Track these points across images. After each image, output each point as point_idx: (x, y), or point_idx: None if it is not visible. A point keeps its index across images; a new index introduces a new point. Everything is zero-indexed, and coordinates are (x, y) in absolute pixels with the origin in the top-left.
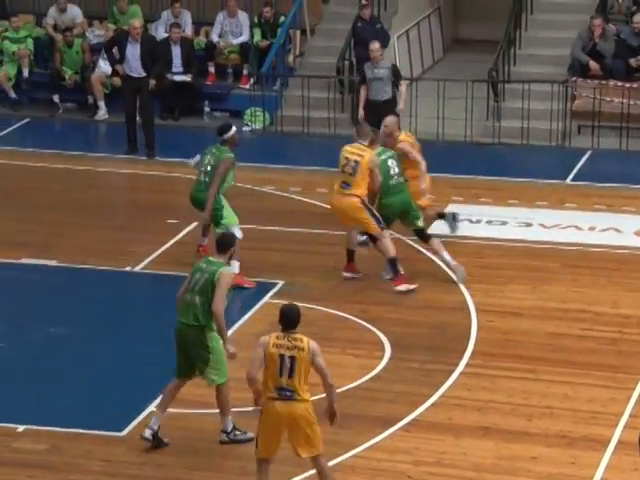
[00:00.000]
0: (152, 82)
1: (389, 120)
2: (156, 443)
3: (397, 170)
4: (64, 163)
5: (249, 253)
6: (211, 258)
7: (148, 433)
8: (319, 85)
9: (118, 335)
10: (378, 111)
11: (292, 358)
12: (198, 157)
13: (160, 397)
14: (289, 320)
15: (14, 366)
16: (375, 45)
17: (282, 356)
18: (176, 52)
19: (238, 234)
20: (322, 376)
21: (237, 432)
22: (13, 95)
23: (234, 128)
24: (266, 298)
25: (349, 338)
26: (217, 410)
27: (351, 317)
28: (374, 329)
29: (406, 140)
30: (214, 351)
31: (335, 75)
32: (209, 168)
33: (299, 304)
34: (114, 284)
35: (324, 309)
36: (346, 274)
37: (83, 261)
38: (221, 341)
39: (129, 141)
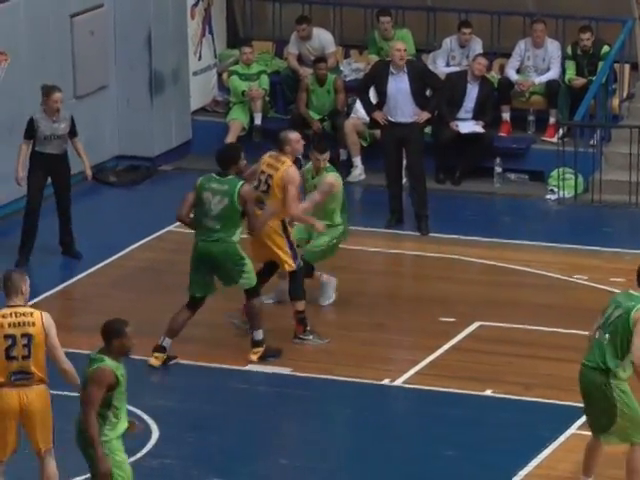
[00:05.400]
0: (424, 115)
1: None
2: None
3: None
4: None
5: (547, 364)
6: (632, 291)
7: None
8: None
9: (375, 468)
10: None
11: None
12: None
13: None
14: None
15: None
16: None
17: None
18: (472, 93)
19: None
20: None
21: None
22: None
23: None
24: (571, 428)
25: None
26: None
27: None
28: None
29: None
30: (624, 405)
31: None
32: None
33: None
34: (368, 401)
35: None
36: None
37: (327, 370)
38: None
39: (392, 210)
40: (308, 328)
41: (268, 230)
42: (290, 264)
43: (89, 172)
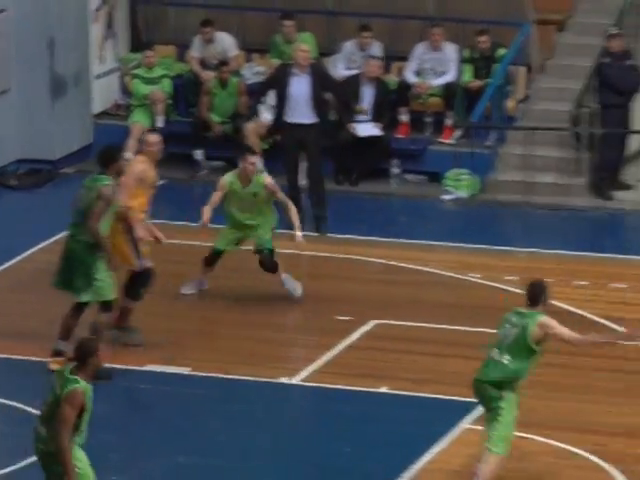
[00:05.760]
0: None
1: None
2: None
3: None
4: (207, 239)
5: (441, 361)
6: (521, 309)
7: None
8: (548, 140)
9: (272, 466)
10: None
11: None
12: None
13: None
14: None
15: None
16: None
17: None
18: (368, 94)
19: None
20: None
21: None
22: (130, 155)
23: None
24: (464, 423)
25: None
26: None
27: (581, 452)
28: (614, 471)
29: None
30: (507, 414)
31: (570, 127)
32: None
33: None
34: (265, 399)
35: (543, 439)
36: None
37: (225, 369)
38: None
39: None
40: (128, 325)
41: (116, 229)
42: (133, 264)
43: None
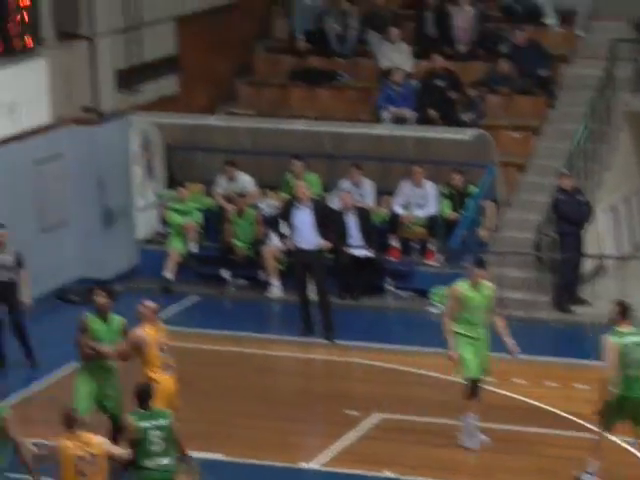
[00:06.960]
0: (327, 244)
1: None
2: None
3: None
4: (234, 345)
5: (432, 451)
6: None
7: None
8: (515, 263)
9: None
10: None
11: None
12: None
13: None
14: None
15: None
16: None
17: None
18: (351, 223)
19: None
20: None
21: None
22: (169, 275)
23: None
24: None
25: None
26: None
27: None
28: None
29: None
30: None
31: (533, 252)
32: None
33: None
34: None
35: None
36: None
37: (252, 455)
38: None
39: (304, 322)
40: None
41: None
42: None
43: (27, 301)
